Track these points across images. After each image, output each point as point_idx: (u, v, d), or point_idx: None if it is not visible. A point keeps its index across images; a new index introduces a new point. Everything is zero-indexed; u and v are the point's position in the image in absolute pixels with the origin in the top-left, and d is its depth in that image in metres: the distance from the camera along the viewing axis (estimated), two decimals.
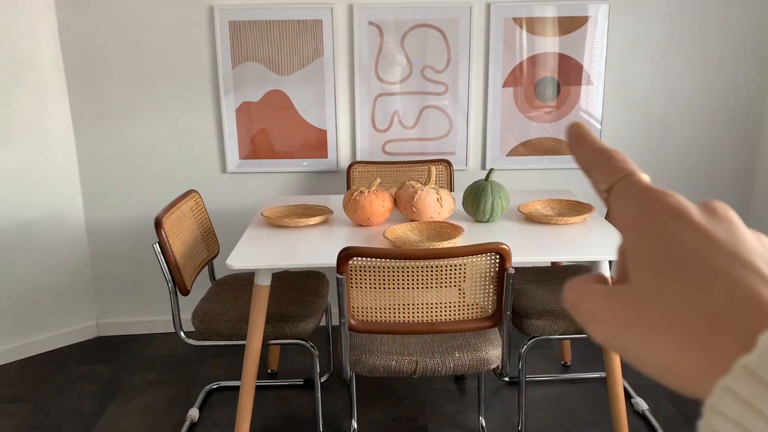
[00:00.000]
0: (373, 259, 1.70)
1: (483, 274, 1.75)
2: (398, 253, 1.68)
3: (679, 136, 2.97)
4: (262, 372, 2.75)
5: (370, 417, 2.40)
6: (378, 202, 2.15)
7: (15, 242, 2.82)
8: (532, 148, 2.96)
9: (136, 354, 2.94)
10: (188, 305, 3.15)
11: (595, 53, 2.85)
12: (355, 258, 1.70)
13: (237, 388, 2.64)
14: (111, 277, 3.07)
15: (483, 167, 2.99)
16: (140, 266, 3.06)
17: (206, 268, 3.01)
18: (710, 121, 2.96)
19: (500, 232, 2.12)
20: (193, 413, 2.40)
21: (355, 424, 2.34)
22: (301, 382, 2.65)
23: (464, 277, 1.74)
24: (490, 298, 1.78)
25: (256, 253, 1.94)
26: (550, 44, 2.83)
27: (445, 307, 1.77)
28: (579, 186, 3.03)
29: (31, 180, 2.81)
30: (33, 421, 2.42)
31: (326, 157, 2.95)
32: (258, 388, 2.62)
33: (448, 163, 2.84)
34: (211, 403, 2.52)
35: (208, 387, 2.62)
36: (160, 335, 3.12)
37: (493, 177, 3.01)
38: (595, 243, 1.99)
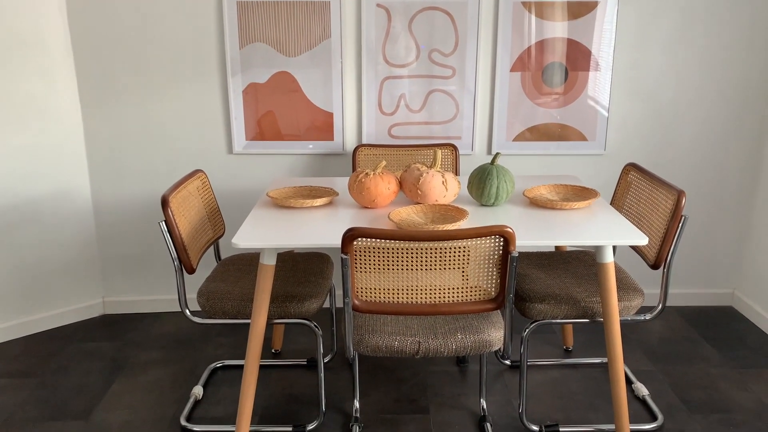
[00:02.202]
0: (378, 240, 1.71)
1: (487, 257, 1.75)
2: (403, 235, 1.69)
3: (687, 125, 2.96)
4: (266, 352, 2.77)
5: (373, 397, 2.42)
6: (383, 185, 2.16)
7: (22, 220, 2.84)
8: (538, 133, 2.96)
9: (141, 332, 2.97)
10: (194, 285, 3.17)
11: (603, 39, 2.83)
12: (359, 239, 1.71)
13: (241, 367, 2.67)
14: (117, 256, 3.09)
15: (489, 152, 2.99)
16: (146, 245, 3.08)
17: (212, 248, 3.03)
18: (719, 109, 2.94)
19: (505, 215, 2.12)
20: (198, 391, 2.43)
21: (357, 404, 2.36)
22: (305, 362, 2.68)
23: (468, 259, 1.75)
24: (494, 281, 1.79)
25: (261, 233, 1.96)
26: (558, 29, 2.82)
27: (449, 289, 1.78)
28: (585, 172, 3.03)
29: (39, 158, 2.82)
30: (38, 396, 2.45)
31: (332, 139, 2.95)
32: (262, 367, 2.65)
33: (454, 147, 2.84)
34: (215, 382, 2.55)
35: (212, 365, 2.65)
36: (165, 314, 3.15)
37: (499, 161, 3.01)
38: (600, 228, 1.99)
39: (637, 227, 2.26)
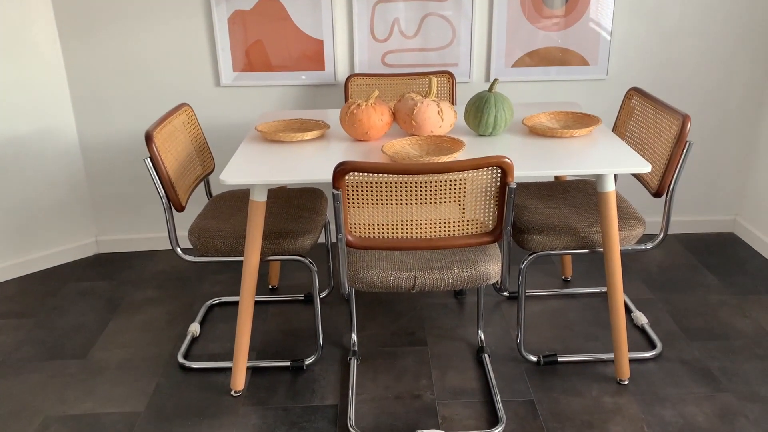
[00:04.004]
0: (371, 175, 1.65)
1: (484, 189, 1.69)
2: (396, 168, 1.62)
3: (691, 48, 2.84)
4: (263, 288, 2.75)
5: (370, 331, 2.42)
6: (376, 116, 2.07)
7: (8, 159, 2.76)
8: (538, 58, 2.84)
9: (136, 271, 2.94)
10: (187, 222, 3.13)
11: None
12: (351, 173, 1.65)
13: (237, 303, 2.65)
14: (108, 194, 3.03)
15: (487, 79, 2.88)
16: (137, 183, 3.01)
17: (203, 185, 2.97)
18: (725, 32, 2.81)
19: (503, 145, 2.05)
20: (194, 328, 2.42)
21: (355, 338, 2.36)
22: (302, 298, 2.66)
23: (465, 192, 1.69)
24: (491, 214, 1.74)
25: (250, 169, 1.89)
26: None
27: (445, 222, 1.73)
28: (586, 98, 2.92)
29: (20, 95, 2.72)
30: (35, 335, 2.44)
31: (323, 69, 2.83)
32: (259, 303, 2.63)
33: (451, 75, 2.73)
34: (212, 318, 2.54)
35: (208, 302, 2.63)
36: (160, 252, 3.12)
37: (497, 88, 2.90)
38: (601, 156, 1.92)
39: (640, 154, 2.19)
